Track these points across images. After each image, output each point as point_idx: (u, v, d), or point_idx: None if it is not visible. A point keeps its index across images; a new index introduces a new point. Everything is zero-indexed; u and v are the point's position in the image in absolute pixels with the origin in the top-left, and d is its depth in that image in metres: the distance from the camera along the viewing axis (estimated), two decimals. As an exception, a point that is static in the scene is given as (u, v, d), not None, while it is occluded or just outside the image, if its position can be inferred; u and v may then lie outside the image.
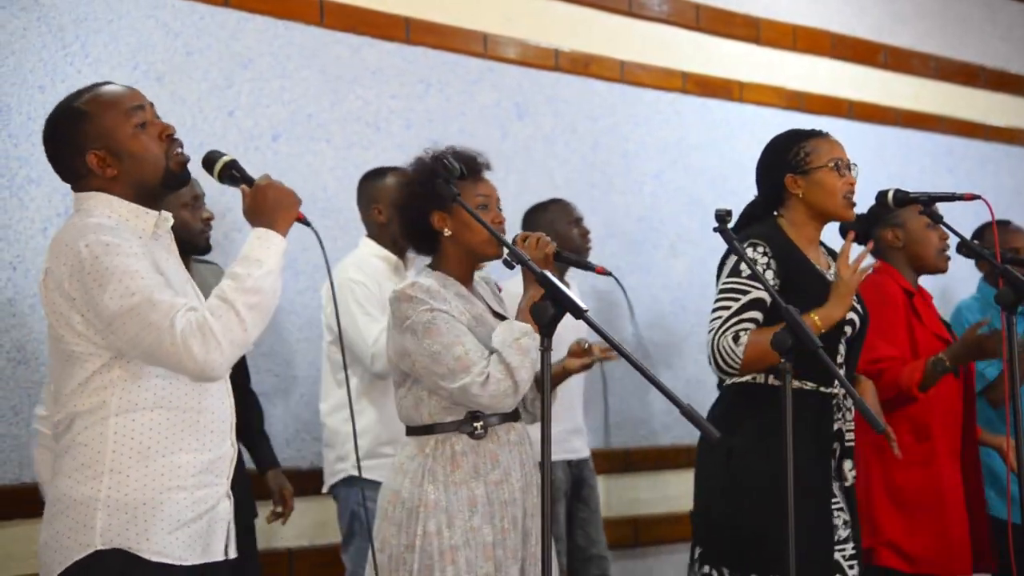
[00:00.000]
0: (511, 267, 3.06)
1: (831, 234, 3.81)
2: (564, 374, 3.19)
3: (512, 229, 3.23)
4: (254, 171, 2.74)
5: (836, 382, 3.34)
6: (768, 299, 3.28)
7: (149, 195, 2.64)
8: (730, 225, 3.19)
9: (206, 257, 3.90)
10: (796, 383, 3.29)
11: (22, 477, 3.94)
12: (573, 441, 4.75)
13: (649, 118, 5.76)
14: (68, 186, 2.67)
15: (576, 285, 4.80)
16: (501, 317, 3.16)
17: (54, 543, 2.53)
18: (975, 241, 4.63)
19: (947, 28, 7.07)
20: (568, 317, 2.69)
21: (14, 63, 4.03)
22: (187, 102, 4.39)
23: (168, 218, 2.70)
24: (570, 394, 4.65)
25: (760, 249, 3.37)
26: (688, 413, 2.59)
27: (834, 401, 3.39)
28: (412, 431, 3.09)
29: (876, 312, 3.68)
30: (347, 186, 4.62)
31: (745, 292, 3.33)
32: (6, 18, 4.03)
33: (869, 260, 3.33)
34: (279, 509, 4.11)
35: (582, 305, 2.67)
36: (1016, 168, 7.30)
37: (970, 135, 7.09)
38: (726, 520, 3.36)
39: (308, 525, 4.51)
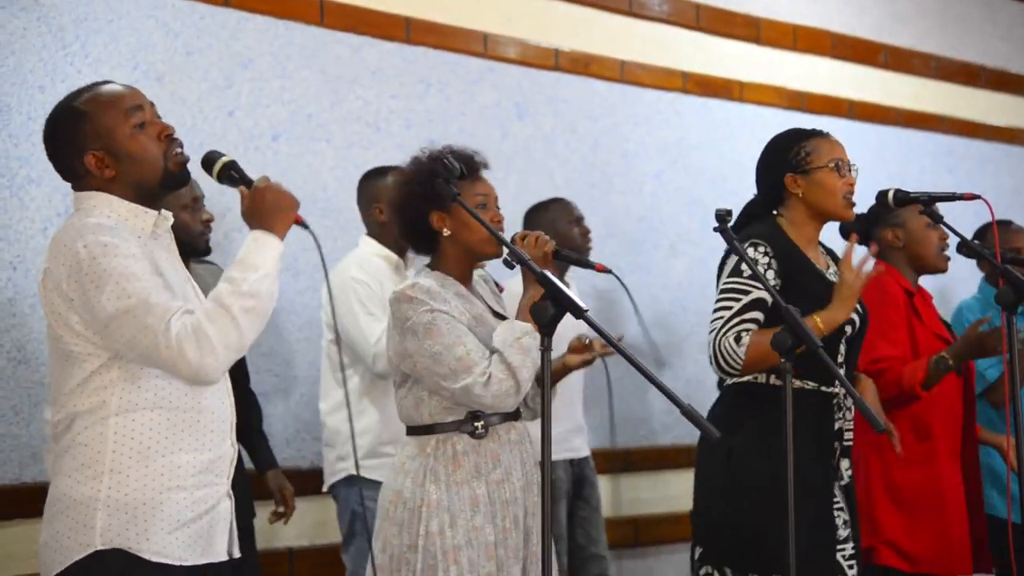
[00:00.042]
0: (511, 267, 3.06)
1: (832, 234, 3.81)
2: (564, 370, 3.19)
3: (513, 229, 3.23)
4: (254, 171, 2.74)
5: (837, 381, 3.34)
6: (769, 299, 3.28)
7: (148, 195, 2.64)
8: (730, 224, 3.19)
9: (205, 258, 3.90)
10: (797, 383, 3.29)
11: (22, 477, 3.94)
12: (574, 440, 4.76)
13: (649, 118, 5.76)
14: (68, 186, 2.67)
15: (576, 285, 4.80)
16: (500, 316, 3.16)
17: (54, 543, 2.53)
18: (976, 241, 4.62)
19: (947, 28, 7.07)
20: (568, 316, 2.69)
21: (14, 63, 4.03)
22: (187, 102, 4.39)
23: (168, 217, 2.70)
24: (570, 393, 4.65)
25: (761, 249, 3.37)
26: (688, 413, 2.58)
27: (835, 400, 3.39)
28: (412, 431, 3.09)
29: (877, 312, 3.68)
30: (347, 186, 4.62)
31: (746, 292, 3.33)
32: (6, 18, 4.03)
33: (871, 262, 3.32)
34: (280, 509, 4.11)
35: (582, 305, 2.67)
36: (1016, 168, 7.30)
37: (970, 135, 7.09)
38: (726, 520, 3.36)
39: (308, 525, 4.51)
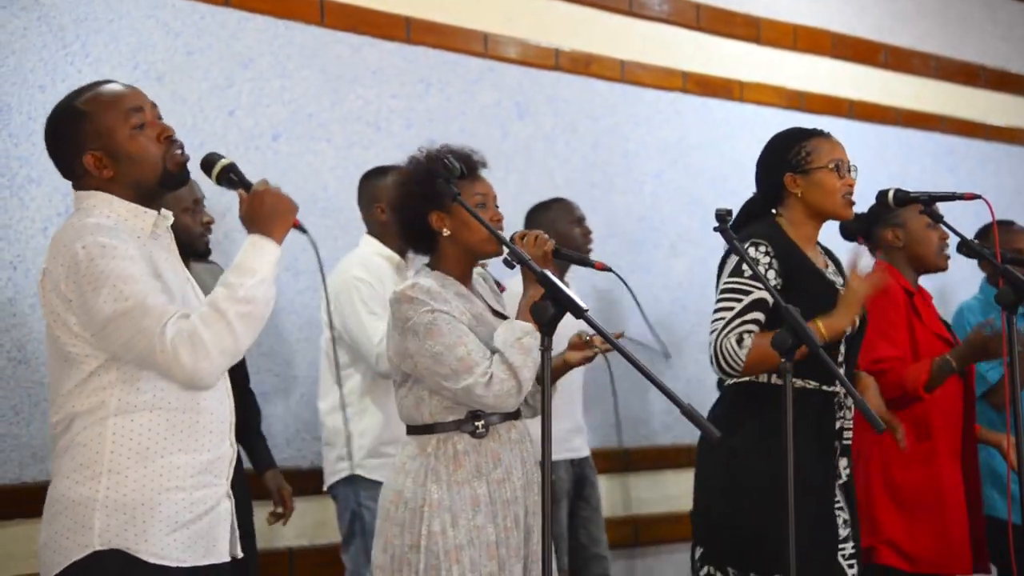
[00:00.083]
0: (511, 267, 3.06)
1: (832, 235, 3.81)
2: (565, 367, 3.18)
3: (513, 228, 3.23)
4: (255, 171, 2.74)
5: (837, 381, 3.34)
6: (770, 299, 3.28)
7: (148, 195, 2.64)
8: (729, 224, 3.19)
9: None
10: (799, 382, 3.29)
11: (22, 477, 3.94)
12: (574, 440, 4.76)
13: (649, 118, 5.76)
14: (68, 186, 2.67)
15: (577, 285, 4.79)
16: (500, 315, 3.16)
17: (53, 543, 2.53)
18: (976, 241, 4.62)
19: (948, 28, 7.07)
20: (569, 315, 2.69)
21: (14, 63, 4.03)
22: (187, 102, 4.39)
23: (168, 216, 2.70)
24: (570, 392, 4.65)
25: (762, 248, 3.37)
26: (688, 412, 2.58)
27: (836, 400, 3.39)
28: (413, 430, 3.09)
29: (877, 312, 3.68)
30: (347, 186, 4.62)
31: (747, 292, 3.33)
32: (6, 18, 4.03)
33: (870, 259, 3.32)
34: (279, 510, 4.10)
35: (582, 304, 2.67)
36: (1017, 168, 7.30)
37: (971, 135, 7.09)
38: (726, 520, 3.36)
39: (308, 525, 4.51)
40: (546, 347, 2.67)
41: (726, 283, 3.37)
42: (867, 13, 6.71)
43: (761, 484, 3.25)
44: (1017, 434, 3.47)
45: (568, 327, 3.04)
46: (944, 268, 4.08)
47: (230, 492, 2.68)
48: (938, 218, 3.70)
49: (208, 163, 2.69)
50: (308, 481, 4.38)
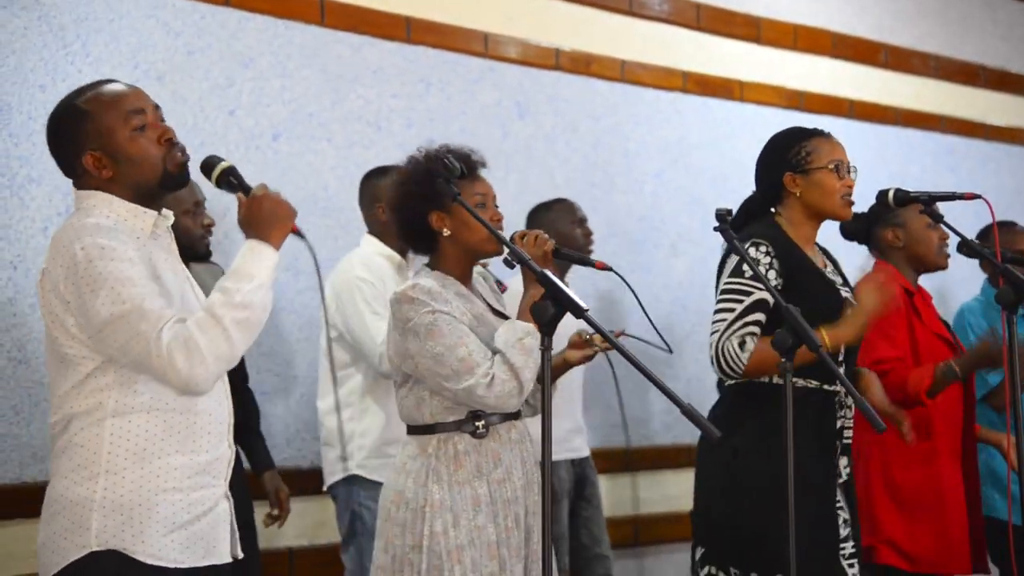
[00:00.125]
0: (511, 267, 3.06)
1: (832, 234, 3.82)
2: (565, 366, 3.17)
3: (513, 228, 3.23)
4: (255, 170, 2.75)
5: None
6: (771, 300, 3.28)
7: (147, 196, 2.63)
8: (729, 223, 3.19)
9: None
10: (799, 381, 3.29)
11: (22, 477, 3.94)
12: (574, 440, 4.76)
13: (650, 117, 5.76)
14: (68, 185, 2.67)
15: (577, 285, 4.79)
16: (500, 314, 3.16)
17: (51, 544, 2.53)
18: (978, 241, 4.62)
19: (948, 28, 7.07)
20: (569, 315, 2.69)
21: (15, 62, 4.03)
22: (188, 101, 4.39)
23: (168, 216, 2.70)
24: (570, 392, 4.65)
25: (763, 249, 3.37)
26: (688, 412, 2.58)
27: (836, 399, 3.39)
28: (413, 430, 3.09)
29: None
30: (348, 185, 4.62)
31: (748, 293, 3.33)
32: (7, 17, 4.03)
33: (870, 261, 3.32)
34: (275, 512, 4.10)
35: (582, 304, 2.66)
36: (1017, 168, 7.30)
37: (971, 134, 7.09)
38: (727, 520, 3.36)
39: (308, 525, 4.51)
40: (546, 347, 2.67)
41: (727, 284, 3.37)
42: (867, 13, 6.71)
43: (761, 484, 3.25)
44: (1017, 434, 3.47)
45: (568, 327, 3.03)
46: (944, 267, 4.08)
47: (228, 493, 2.68)
48: (938, 218, 3.70)
49: (208, 166, 2.69)
50: (308, 481, 4.38)
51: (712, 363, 3.34)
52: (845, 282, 3.54)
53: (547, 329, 2.68)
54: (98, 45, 4.21)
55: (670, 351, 3.35)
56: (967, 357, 3.82)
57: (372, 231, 4.27)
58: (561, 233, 4.61)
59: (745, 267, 3.33)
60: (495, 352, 2.97)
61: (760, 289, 3.30)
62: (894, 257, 4.02)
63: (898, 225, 4.00)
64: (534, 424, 2.94)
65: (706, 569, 3.40)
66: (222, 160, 2.69)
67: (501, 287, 3.38)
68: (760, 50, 6.21)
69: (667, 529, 5.49)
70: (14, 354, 3.95)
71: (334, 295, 4.09)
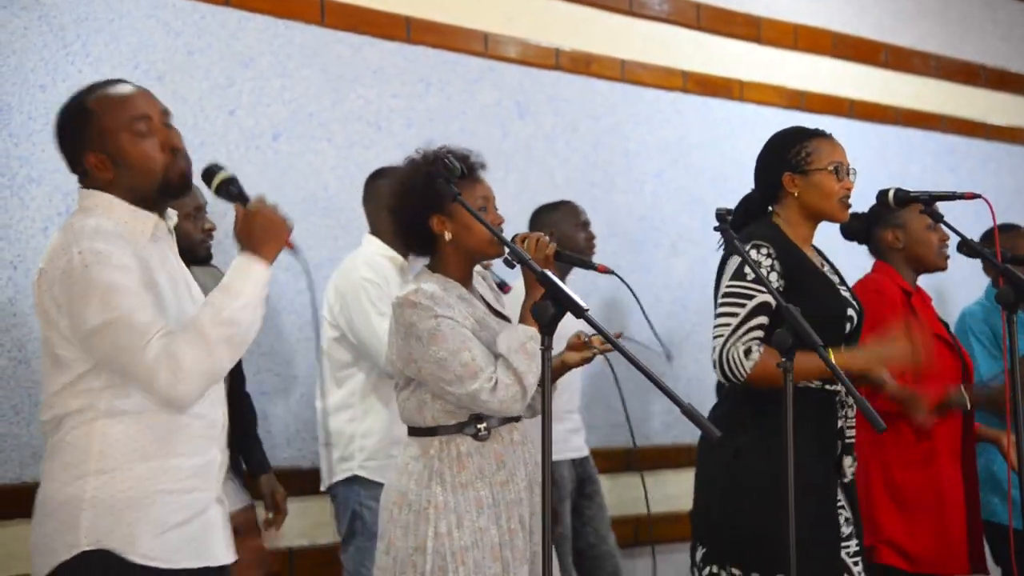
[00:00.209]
0: (511, 266, 3.05)
1: (832, 234, 3.81)
2: (564, 368, 3.17)
3: (513, 228, 3.23)
4: (256, 171, 2.74)
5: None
6: (773, 302, 3.27)
7: (147, 200, 2.63)
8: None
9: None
10: (801, 381, 3.28)
11: (23, 477, 3.94)
12: (574, 440, 4.76)
13: (650, 117, 5.76)
14: (69, 185, 2.68)
15: (577, 287, 4.78)
16: (500, 315, 3.15)
17: (43, 545, 2.53)
18: (979, 242, 4.62)
19: (948, 27, 7.07)
20: (569, 317, 2.68)
21: (15, 62, 4.03)
22: (188, 101, 4.38)
23: (172, 216, 2.70)
24: (570, 393, 4.65)
25: (764, 250, 3.36)
26: (689, 412, 2.58)
27: (837, 399, 3.39)
28: (414, 432, 3.08)
29: (874, 312, 3.67)
30: (348, 185, 4.62)
31: (750, 297, 3.31)
32: (7, 17, 4.03)
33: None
34: (270, 515, 4.08)
35: (582, 304, 2.66)
36: (1017, 167, 7.30)
37: (971, 134, 7.09)
38: (727, 520, 3.35)
39: (308, 525, 4.51)
40: (546, 347, 2.66)
41: (728, 287, 3.36)
42: (868, 13, 6.71)
43: (762, 484, 3.25)
44: (1017, 435, 3.47)
45: (568, 328, 3.03)
46: (943, 269, 4.07)
47: (222, 497, 2.67)
48: (938, 218, 3.70)
49: (208, 174, 2.69)
50: (308, 481, 4.38)
51: (715, 367, 3.33)
52: (842, 281, 3.54)
53: (547, 329, 2.67)
54: (98, 45, 4.21)
55: (669, 358, 3.35)
56: (979, 398, 3.85)
57: (374, 231, 4.27)
58: (564, 235, 4.61)
59: (747, 269, 3.32)
60: (497, 356, 2.96)
61: (762, 292, 3.29)
62: (893, 258, 4.02)
63: (898, 226, 4.00)
64: (535, 426, 2.93)
65: (707, 569, 3.40)
66: (222, 169, 2.68)
67: (504, 288, 3.37)
68: (760, 50, 6.21)
69: (667, 529, 5.49)
70: (14, 354, 3.95)
71: (338, 295, 4.09)
